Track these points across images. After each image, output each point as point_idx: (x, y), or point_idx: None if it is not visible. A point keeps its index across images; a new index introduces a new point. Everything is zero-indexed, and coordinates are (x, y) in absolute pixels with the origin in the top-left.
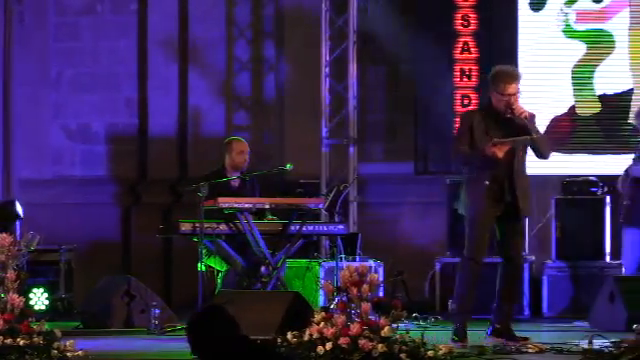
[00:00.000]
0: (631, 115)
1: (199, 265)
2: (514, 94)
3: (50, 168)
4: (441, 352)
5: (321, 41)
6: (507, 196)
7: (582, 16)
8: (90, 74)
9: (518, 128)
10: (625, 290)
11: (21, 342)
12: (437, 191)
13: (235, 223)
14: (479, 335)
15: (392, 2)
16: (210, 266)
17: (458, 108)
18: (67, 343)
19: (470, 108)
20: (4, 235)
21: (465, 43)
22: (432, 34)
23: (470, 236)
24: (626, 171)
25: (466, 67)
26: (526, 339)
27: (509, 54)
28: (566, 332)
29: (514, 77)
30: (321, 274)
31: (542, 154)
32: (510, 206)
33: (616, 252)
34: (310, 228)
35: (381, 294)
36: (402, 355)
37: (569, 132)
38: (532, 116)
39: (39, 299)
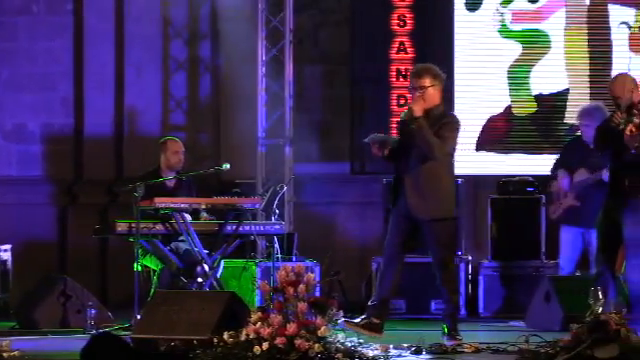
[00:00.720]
0: (568, 115)
1: (135, 265)
2: (414, 88)
3: None
4: (377, 352)
5: (257, 41)
6: (401, 197)
7: (518, 16)
8: (26, 74)
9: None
10: (561, 290)
11: None
12: (373, 191)
13: (171, 223)
14: (416, 334)
15: (329, 1)
16: (146, 266)
17: (394, 108)
18: (3, 343)
19: (406, 108)
20: None
21: (401, 43)
22: (368, 34)
23: None
24: (558, 166)
25: (402, 67)
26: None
27: (445, 54)
28: (502, 332)
29: (414, 72)
30: (257, 274)
31: (427, 154)
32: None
33: (552, 252)
34: (246, 228)
35: (317, 294)
36: (338, 355)
37: (505, 132)
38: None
39: None
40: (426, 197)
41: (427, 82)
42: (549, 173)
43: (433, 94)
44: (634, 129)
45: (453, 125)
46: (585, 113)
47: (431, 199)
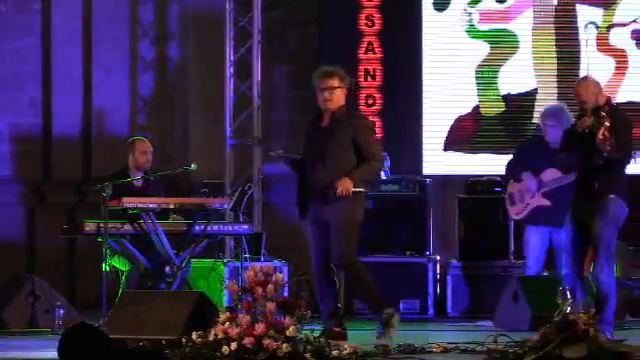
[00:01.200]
0: (536, 115)
1: (103, 265)
2: (323, 88)
3: None
4: (346, 352)
5: (225, 40)
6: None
7: (486, 16)
8: None
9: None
10: (529, 290)
11: None
12: None
13: (139, 223)
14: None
15: (297, 1)
16: (114, 266)
17: (362, 108)
18: None
19: (374, 108)
20: None
21: (369, 43)
22: (336, 34)
23: None
24: (514, 167)
25: (370, 67)
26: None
27: (413, 54)
28: (470, 332)
29: (323, 72)
30: (226, 274)
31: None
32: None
33: (520, 252)
34: (215, 228)
35: (286, 294)
36: (307, 355)
37: (473, 132)
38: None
39: None
40: (332, 201)
41: (336, 83)
42: (504, 173)
43: (340, 95)
44: (607, 133)
45: (369, 129)
46: (551, 114)
47: (338, 202)
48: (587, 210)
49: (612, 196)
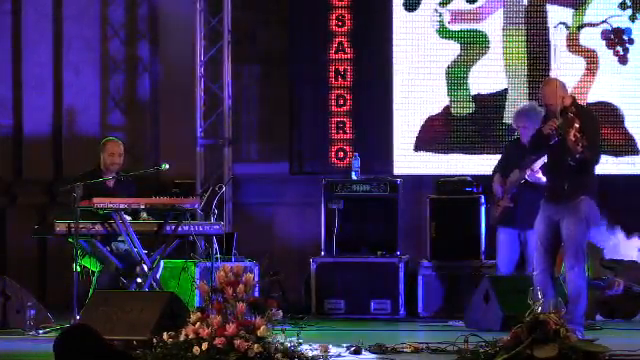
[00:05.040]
0: (507, 115)
1: (74, 266)
2: None
3: None
4: (317, 352)
5: (195, 41)
6: None
7: (456, 16)
8: None
9: None
10: (500, 290)
11: None
12: (312, 191)
13: (110, 223)
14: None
15: (268, 1)
16: (85, 266)
17: (333, 108)
18: None
19: (345, 108)
20: None
21: (340, 43)
22: (307, 34)
23: None
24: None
25: (341, 67)
26: None
27: (384, 54)
28: (441, 332)
29: None
30: (197, 274)
31: None
32: None
33: (491, 252)
34: (186, 228)
35: (257, 294)
36: (278, 355)
37: (444, 132)
38: None
39: None
40: None
41: None
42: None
43: None
44: (577, 134)
45: None
46: (522, 115)
47: None
48: (557, 211)
49: (583, 197)
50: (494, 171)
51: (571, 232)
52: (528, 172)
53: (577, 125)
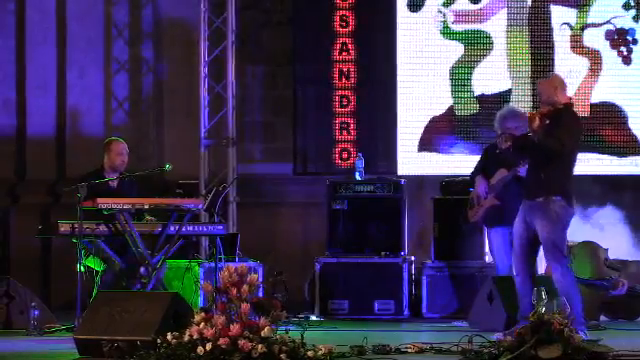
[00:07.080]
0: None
1: (78, 266)
2: None
3: None
4: (321, 352)
5: (199, 41)
6: None
7: (460, 17)
8: None
9: None
10: (504, 290)
11: None
12: (316, 192)
13: (114, 224)
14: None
15: (271, 2)
16: (89, 267)
17: (337, 109)
18: None
19: (348, 109)
20: None
21: (344, 44)
22: (311, 34)
23: None
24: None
25: (344, 67)
26: None
27: (387, 54)
28: (445, 332)
29: None
30: (200, 275)
31: None
32: None
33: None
34: (189, 229)
35: (261, 294)
36: (282, 355)
37: (447, 132)
38: None
39: None
40: None
41: None
42: (468, 177)
43: None
44: (538, 115)
45: None
46: (509, 116)
47: None
48: (530, 209)
49: (555, 197)
50: (473, 174)
51: (546, 234)
52: (519, 169)
53: (543, 111)
